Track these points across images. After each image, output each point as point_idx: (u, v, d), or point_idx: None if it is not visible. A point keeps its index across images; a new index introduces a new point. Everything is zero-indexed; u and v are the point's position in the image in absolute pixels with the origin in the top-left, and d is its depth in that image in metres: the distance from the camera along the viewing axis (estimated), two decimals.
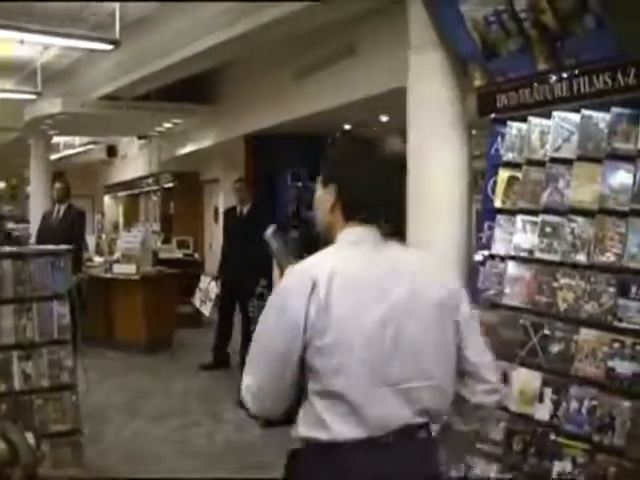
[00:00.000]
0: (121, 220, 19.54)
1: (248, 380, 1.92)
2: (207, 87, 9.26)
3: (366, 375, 1.85)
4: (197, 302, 7.95)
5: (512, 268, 3.62)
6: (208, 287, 7.85)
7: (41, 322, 4.16)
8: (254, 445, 5.51)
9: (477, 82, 4.02)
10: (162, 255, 11.75)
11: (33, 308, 4.15)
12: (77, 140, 14.77)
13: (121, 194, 19.28)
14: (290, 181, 8.70)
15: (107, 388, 7.17)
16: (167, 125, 10.49)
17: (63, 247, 4.29)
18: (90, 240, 12.61)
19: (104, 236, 12.69)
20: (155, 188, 15.82)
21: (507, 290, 3.61)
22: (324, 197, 2.01)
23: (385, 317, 1.86)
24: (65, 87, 9.04)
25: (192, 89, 8.93)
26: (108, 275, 9.27)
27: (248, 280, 6.94)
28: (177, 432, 5.80)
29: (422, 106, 4.46)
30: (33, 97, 8.66)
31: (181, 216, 14.27)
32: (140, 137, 13.33)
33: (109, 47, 6.33)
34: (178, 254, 11.79)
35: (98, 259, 10.73)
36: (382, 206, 1.95)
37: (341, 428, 1.85)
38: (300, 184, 8.80)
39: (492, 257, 3.76)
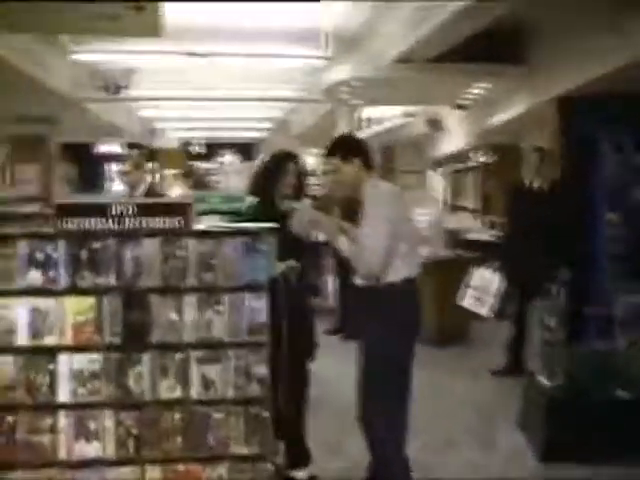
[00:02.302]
0: (447, 197, 18.74)
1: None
2: (512, 45, 7.88)
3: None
4: (468, 302, 6.73)
5: None
6: (487, 281, 6.61)
7: (231, 318, 3.37)
8: None
9: None
10: (471, 236, 10.70)
11: (223, 300, 3.37)
12: (396, 112, 14.19)
13: (445, 169, 18.44)
14: (610, 151, 7.04)
15: None
16: (475, 91, 9.29)
17: (264, 225, 3.44)
18: None
19: None
20: (474, 163, 14.71)
21: None
22: (354, 167, 3.81)
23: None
24: (357, 52, 8.32)
25: (496, 48, 7.66)
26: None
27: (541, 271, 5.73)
28: (430, 452, 4.78)
29: None
30: (322, 63, 8.08)
31: (498, 193, 12.97)
32: (459, 107, 12.30)
33: None
34: (487, 236, 10.62)
35: None
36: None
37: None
38: (623, 154, 7.07)
39: None
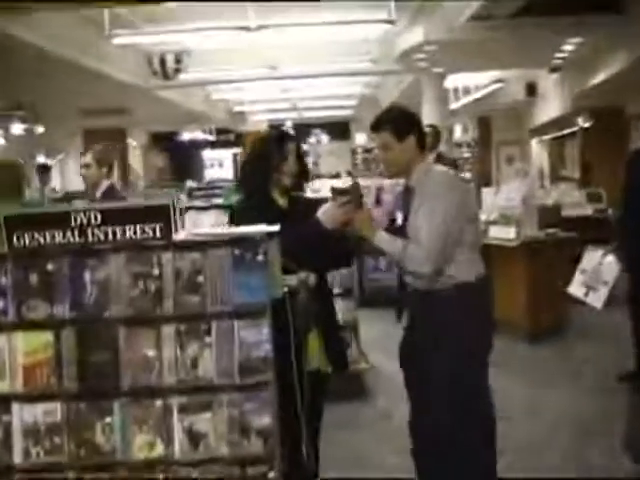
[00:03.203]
0: (546, 167, 17.35)
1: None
2: None
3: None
4: (578, 290, 5.60)
5: None
6: (601, 265, 5.48)
7: (223, 353, 2.57)
8: None
9: None
10: (570, 212, 9.49)
11: (212, 330, 2.58)
12: (485, 79, 13.00)
13: (545, 137, 17.04)
14: None
15: None
16: (567, 48, 8.10)
17: (261, 229, 2.60)
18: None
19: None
20: (573, 129, 13.32)
21: None
22: (407, 146, 3.17)
23: None
24: (429, 13, 7.32)
25: None
26: (483, 240, 7.37)
27: None
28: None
29: None
30: (392, 27, 7.11)
31: (599, 162, 11.61)
32: (552, 70, 11.05)
33: None
34: (587, 210, 9.39)
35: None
36: None
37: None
38: None
39: None
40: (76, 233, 2.59)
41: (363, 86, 14.52)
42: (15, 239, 2.60)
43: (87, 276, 2.58)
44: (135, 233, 2.59)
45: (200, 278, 2.58)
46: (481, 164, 18.59)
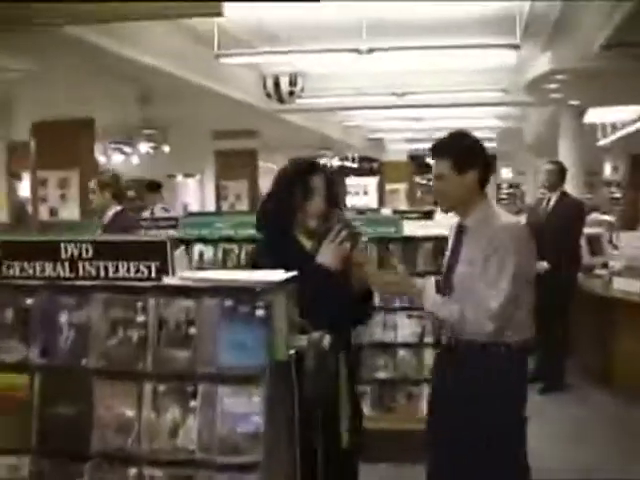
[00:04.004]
0: None
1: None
2: None
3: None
4: None
5: None
6: None
7: (208, 423, 2.14)
8: None
9: None
10: None
11: (198, 394, 2.16)
12: (631, 114, 11.89)
13: None
14: None
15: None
16: None
17: (270, 276, 2.16)
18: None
19: None
20: None
21: None
22: (465, 181, 2.76)
23: None
24: (559, 39, 6.64)
25: None
26: (607, 292, 6.56)
27: None
28: None
29: None
30: (517, 54, 6.50)
31: None
32: None
33: None
34: None
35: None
36: None
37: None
38: None
39: None
40: (66, 266, 2.28)
41: (498, 117, 13.75)
42: (5, 268, 2.33)
43: (64, 317, 2.24)
44: (128, 271, 2.24)
45: (192, 330, 2.18)
46: (630, 206, 17.23)
